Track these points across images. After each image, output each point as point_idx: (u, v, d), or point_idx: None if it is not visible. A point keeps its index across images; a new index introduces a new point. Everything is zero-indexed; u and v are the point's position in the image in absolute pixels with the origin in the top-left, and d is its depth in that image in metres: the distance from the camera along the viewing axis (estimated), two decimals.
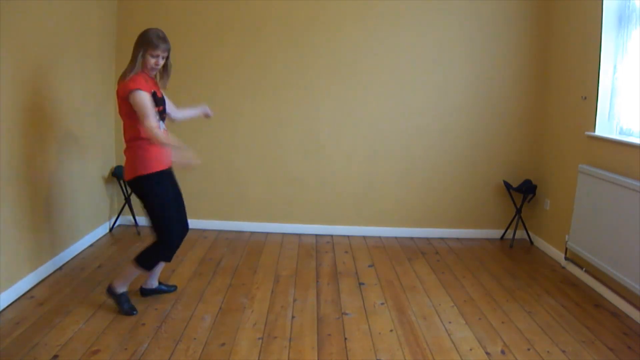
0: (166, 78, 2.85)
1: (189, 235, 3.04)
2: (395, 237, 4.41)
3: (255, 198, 4.39)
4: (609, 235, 3.17)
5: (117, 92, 2.68)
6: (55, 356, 2.36)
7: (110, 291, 2.85)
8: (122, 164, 2.95)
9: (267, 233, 4.39)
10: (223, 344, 2.56)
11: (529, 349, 2.60)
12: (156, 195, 2.75)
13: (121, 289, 2.85)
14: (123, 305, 2.83)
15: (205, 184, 4.32)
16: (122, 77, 2.67)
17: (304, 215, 4.43)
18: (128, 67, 2.67)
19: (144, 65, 2.67)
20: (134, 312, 2.83)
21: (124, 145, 2.77)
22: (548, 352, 2.58)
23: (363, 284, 3.40)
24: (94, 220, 3.98)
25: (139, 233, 4.19)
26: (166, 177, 2.81)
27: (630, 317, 2.99)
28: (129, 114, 2.66)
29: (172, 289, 3.13)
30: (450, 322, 2.88)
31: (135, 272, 2.83)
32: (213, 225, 4.38)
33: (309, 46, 4.19)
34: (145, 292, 3.04)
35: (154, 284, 3.06)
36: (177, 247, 2.89)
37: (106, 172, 4.18)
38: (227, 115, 4.23)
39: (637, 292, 2.88)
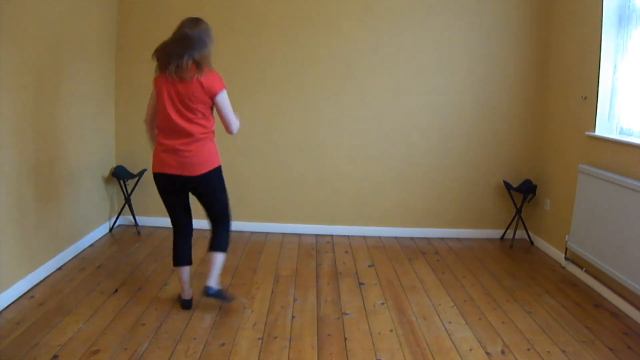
0: None
1: None
2: (395, 237, 4.41)
3: (255, 198, 4.39)
4: (609, 235, 3.17)
5: (203, 84, 2.58)
6: (55, 356, 2.36)
7: (212, 292, 2.81)
8: (175, 162, 2.69)
9: (267, 233, 4.39)
10: (223, 344, 2.56)
11: (529, 349, 2.60)
12: (224, 183, 2.91)
13: (218, 284, 2.88)
14: (227, 296, 2.92)
15: None
16: (199, 70, 2.57)
17: (304, 215, 4.43)
18: (206, 61, 2.62)
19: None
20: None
21: (189, 139, 2.66)
22: (548, 352, 2.58)
23: (363, 284, 3.40)
24: (94, 220, 3.98)
25: (139, 233, 4.18)
26: None
27: (630, 317, 2.99)
28: (207, 108, 2.71)
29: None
30: (450, 322, 2.87)
31: (223, 260, 2.90)
32: None
33: (309, 46, 4.19)
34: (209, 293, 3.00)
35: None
36: None
37: (106, 172, 4.18)
38: None
39: (637, 292, 2.88)
